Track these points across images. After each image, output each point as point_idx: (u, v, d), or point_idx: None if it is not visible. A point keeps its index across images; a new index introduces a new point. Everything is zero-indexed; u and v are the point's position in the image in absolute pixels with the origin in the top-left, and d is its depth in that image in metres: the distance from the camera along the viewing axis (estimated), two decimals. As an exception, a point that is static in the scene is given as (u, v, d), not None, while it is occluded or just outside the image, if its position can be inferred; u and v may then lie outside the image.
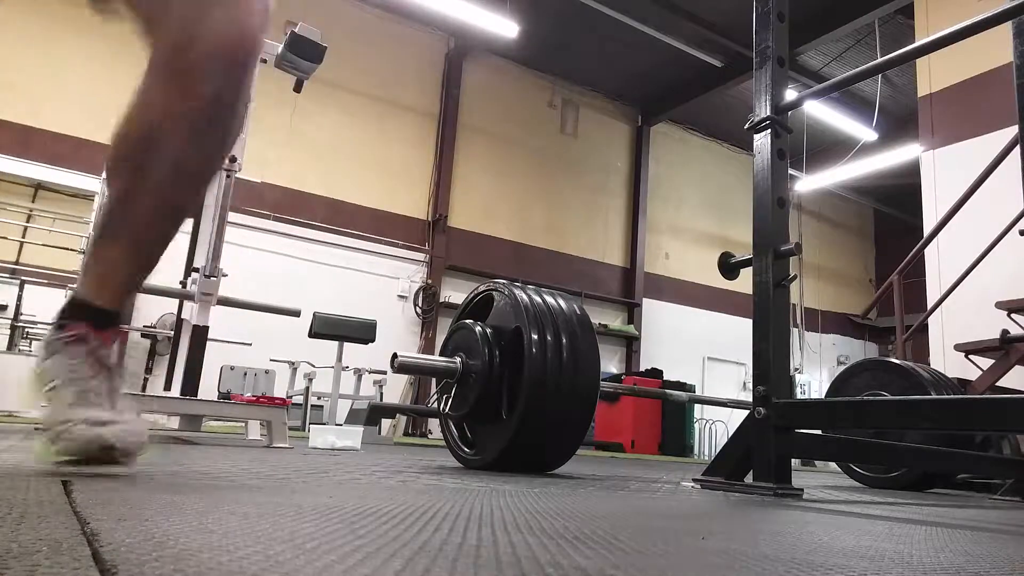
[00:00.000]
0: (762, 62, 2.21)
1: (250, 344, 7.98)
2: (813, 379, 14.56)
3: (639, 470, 3.37)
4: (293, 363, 7.81)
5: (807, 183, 13.68)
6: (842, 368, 3.72)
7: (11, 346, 7.59)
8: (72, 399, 1.08)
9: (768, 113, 2.14)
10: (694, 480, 2.11)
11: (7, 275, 7.87)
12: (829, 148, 13.43)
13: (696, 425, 11.45)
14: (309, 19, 4.24)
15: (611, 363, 12.68)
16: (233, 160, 3.22)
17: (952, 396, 3.51)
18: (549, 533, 0.78)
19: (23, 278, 7.78)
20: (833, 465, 5.73)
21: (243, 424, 3.68)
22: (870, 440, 2.75)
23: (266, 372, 8.61)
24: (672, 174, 14.25)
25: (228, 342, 7.17)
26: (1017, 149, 4.23)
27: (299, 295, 7.32)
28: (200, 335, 3.18)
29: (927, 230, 6.10)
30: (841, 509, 1.63)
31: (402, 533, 0.69)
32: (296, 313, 3.85)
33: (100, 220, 1.13)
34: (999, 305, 4.48)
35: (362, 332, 6.14)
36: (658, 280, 13.68)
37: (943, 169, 6.69)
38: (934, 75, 6.97)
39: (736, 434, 2.06)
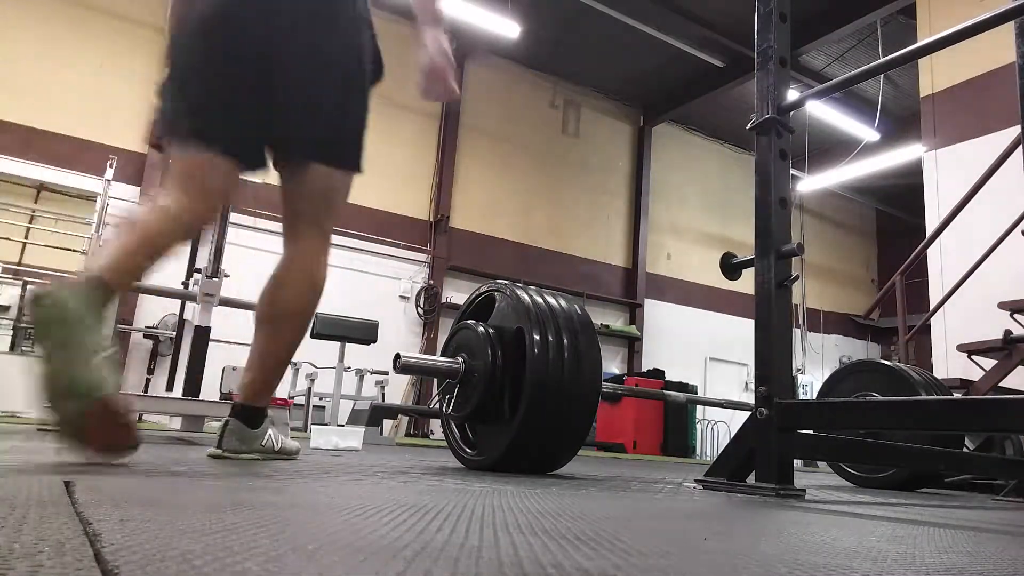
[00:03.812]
0: (764, 62, 2.21)
1: (252, 345, 7.97)
2: (815, 380, 14.54)
3: (641, 471, 3.37)
4: (295, 364, 7.81)
5: (809, 183, 13.67)
6: (839, 370, 3.72)
7: (13, 347, 7.60)
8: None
9: (770, 113, 2.14)
10: (696, 481, 2.10)
11: (10, 276, 7.88)
12: (831, 148, 13.42)
13: (698, 426, 11.43)
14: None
15: (613, 364, 12.67)
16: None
17: (958, 397, 3.50)
18: (551, 534, 0.78)
19: (26, 279, 7.79)
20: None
21: (245, 425, 3.68)
22: (875, 441, 2.75)
23: (268, 373, 8.60)
24: (674, 174, 14.24)
25: (230, 343, 7.17)
26: (1019, 149, 4.22)
27: (301, 296, 7.32)
28: (202, 336, 3.18)
29: (929, 230, 6.10)
30: (844, 510, 1.63)
31: (404, 534, 0.69)
32: (298, 314, 3.84)
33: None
34: (1002, 305, 4.47)
35: (364, 333, 6.14)
36: (660, 280, 13.68)
37: (945, 169, 6.68)
38: (936, 75, 6.97)
39: (738, 435, 2.06)
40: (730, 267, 2.27)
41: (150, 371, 8.96)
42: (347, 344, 6.12)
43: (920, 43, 1.98)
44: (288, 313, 1.75)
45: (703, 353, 13.80)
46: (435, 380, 2.51)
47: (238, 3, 1.63)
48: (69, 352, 1.21)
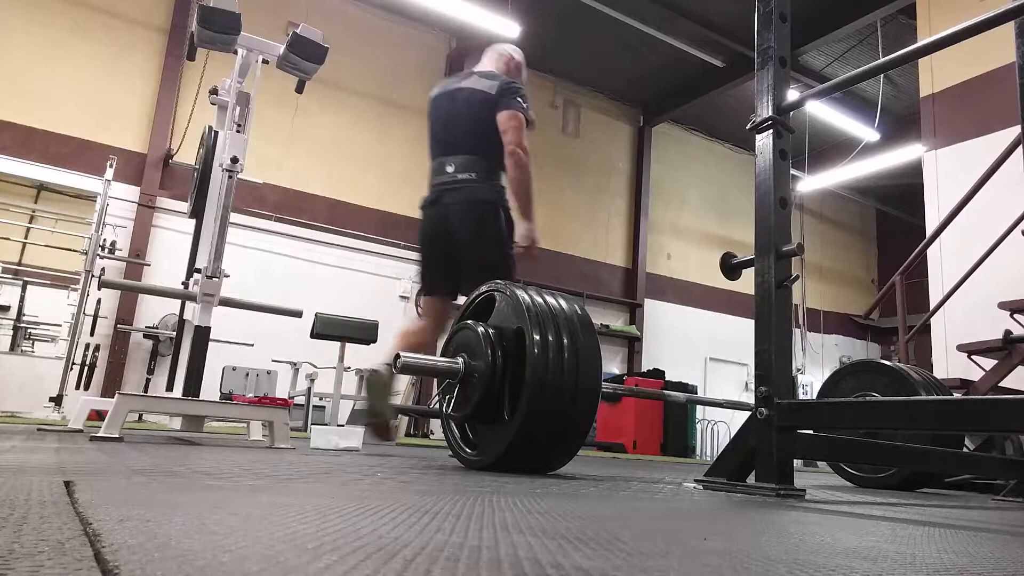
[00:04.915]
0: (764, 62, 2.21)
1: (252, 345, 7.99)
2: (815, 380, 14.54)
3: (641, 471, 3.37)
4: (295, 364, 7.81)
5: (809, 183, 13.67)
6: (839, 370, 3.72)
7: (13, 347, 7.60)
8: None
9: (770, 113, 2.14)
10: (696, 481, 2.10)
11: (10, 276, 7.88)
12: (831, 148, 13.42)
13: (698, 426, 11.43)
14: (311, 20, 4.23)
15: (613, 364, 12.67)
16: (235, 161, 3.21)
17: (958, 397, 3.50)
18: (550, 534, 0.78)
19: (25, 279, 7.80)
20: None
21: (245, 425, 3.68)
22: (875, 441, 2.75)
23: (268, 373, 8.61)
24: (674, 174, 14.24)
25: (230, 343, 7.18)
26: (1019, 149, 4.22)
27: (301, 296, 7.33)
28: (202, 336, 3.17)
29: (929, 230, 6.10)
30: (843, 510, 1.63)
31: (403, 533, 0.69)
32: (298, 314, 3.85)
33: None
34: (1002, 305, 4.47)
35: (364, 333, 6.13)
36: (660, 280, 13.68)
37: (945, 169, 6.68)
38: (936, 75, 6.97)
39: (738, 435, 2.06)
40: (730, 267, 2.27)
41: (150, 371, 8.96)
42: (347, 344, 6.12)
43: (920, 43, 1.97)
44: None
45: (703, 353, 13.80)
46: (435, 380, 2.51)
47: (431, 225, 3.42)
48: (377, 397, 3.08)
